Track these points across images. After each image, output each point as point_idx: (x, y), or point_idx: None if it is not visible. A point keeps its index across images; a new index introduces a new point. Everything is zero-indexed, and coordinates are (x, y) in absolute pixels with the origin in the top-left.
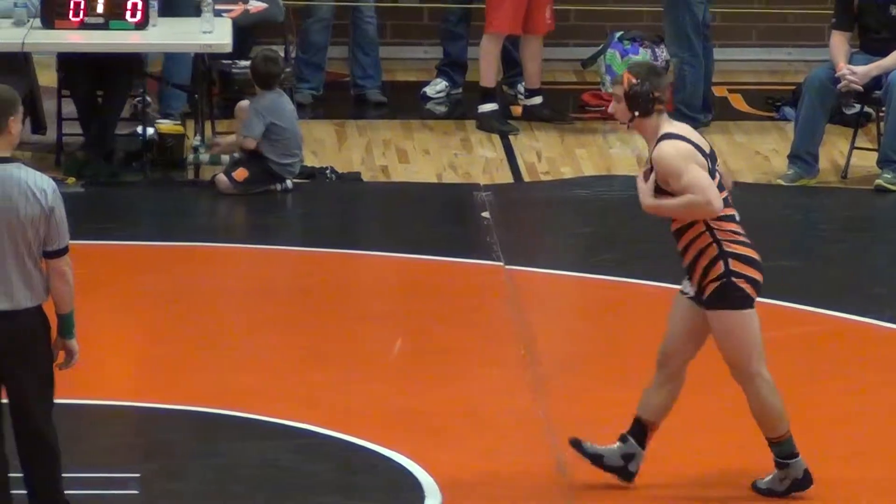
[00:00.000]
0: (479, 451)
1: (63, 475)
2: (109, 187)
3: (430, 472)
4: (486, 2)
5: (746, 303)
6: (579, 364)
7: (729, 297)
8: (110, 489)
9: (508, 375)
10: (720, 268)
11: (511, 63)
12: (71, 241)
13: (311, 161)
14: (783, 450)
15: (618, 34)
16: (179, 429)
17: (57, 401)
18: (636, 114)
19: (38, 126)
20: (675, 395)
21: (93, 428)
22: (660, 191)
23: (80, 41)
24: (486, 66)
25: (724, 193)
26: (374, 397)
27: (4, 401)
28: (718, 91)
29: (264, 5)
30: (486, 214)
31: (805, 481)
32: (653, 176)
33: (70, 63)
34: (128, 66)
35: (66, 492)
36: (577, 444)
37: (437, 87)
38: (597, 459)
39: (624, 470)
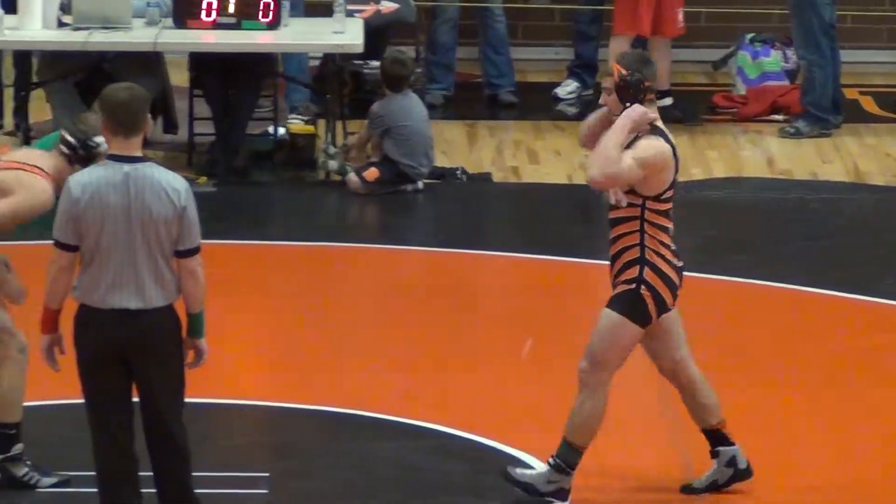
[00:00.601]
0: (607, 452)
1: (193, 474)
2: (241, 187)
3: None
4: (615, 3)
5: (642, 318)
6: (706, 365)
7: (628, 306)
8: (240, 489)
9: (637, 376)
10: (634, 272)
11: None
12: (202, 241)
13: (441, 161)
14: (567, 459)
15: (749, 36)
16: (310, 428)
17: (188, 400)
18: (627, 104)
19: (171, 125)
20: (703, 390)
21: (224, 427)
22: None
23: (212, 41)
24: None
25: (670, 205)
26: (505, 398)
27: (136, 399)
28: (849, 93)
29: (396, 6)
30: None
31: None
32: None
33: (202, 63)
34: (259, 65)
35: (196, 490)
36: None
37: (568, 88)
38: (713, 487)
39: (743, 472)
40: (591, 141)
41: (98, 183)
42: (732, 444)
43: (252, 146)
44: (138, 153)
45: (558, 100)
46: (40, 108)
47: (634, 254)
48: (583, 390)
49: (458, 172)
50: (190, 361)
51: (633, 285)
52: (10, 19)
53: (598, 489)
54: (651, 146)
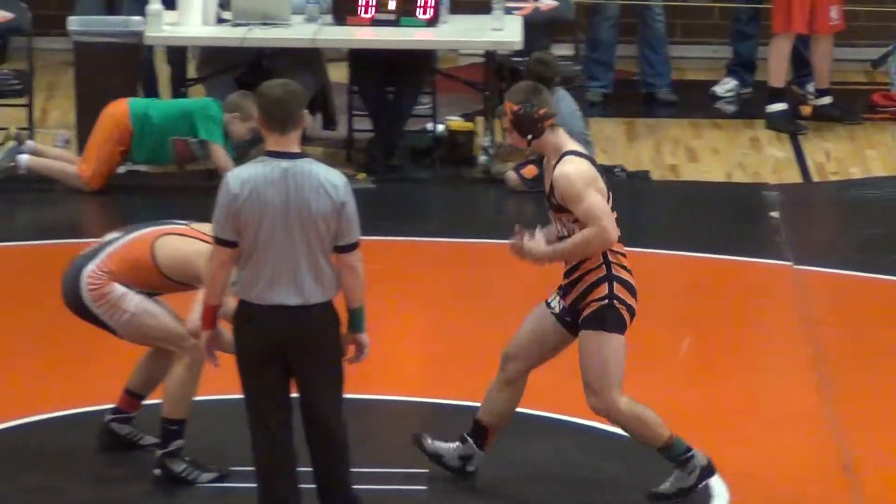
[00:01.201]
0: (765, 450)
1: (352, 470)
2: (399, 183)
3: (718, 471)
4: (773, 1)
5: (621, 327)
6: (865, 365)
7: (607, 319)
8: (399, 485)
9: (795, 375)
10: (604, 290)
11: (801, 63)
12: (361, 237)
13: (600, 159)
14: (674, 452)
15: None
16: (469, 425)
17: (349, 396)
18: (530, 137)
19: (329, 122)
20: (515, 401)
21: (384, 424)
22: (560, 209)
23: (371, 38)
24: (776, 65)
25: (614, 214)
26: (662, 395)
27: (295, 395)
28: None
29: (555, 3)
30: (774, 214)
31: (710, 468)
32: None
33: (361, 59)
34: (419, 62)
35: (355, 487)
36: (417, 440)
37: (726, 86)
38: (436, 458)
39: (462, 470)
40: None
41: (256, 179)
42: (483, 448)
43: (410, 143)
44: (296, 149)
45: (717, 98)
46: None
47: (600, 273)
48: (611, 420)
49: (617, 170)
50: (351, 356)
51: (605, 301)
52: (169, 15)
53: (754, 484)
54: (577, 174)
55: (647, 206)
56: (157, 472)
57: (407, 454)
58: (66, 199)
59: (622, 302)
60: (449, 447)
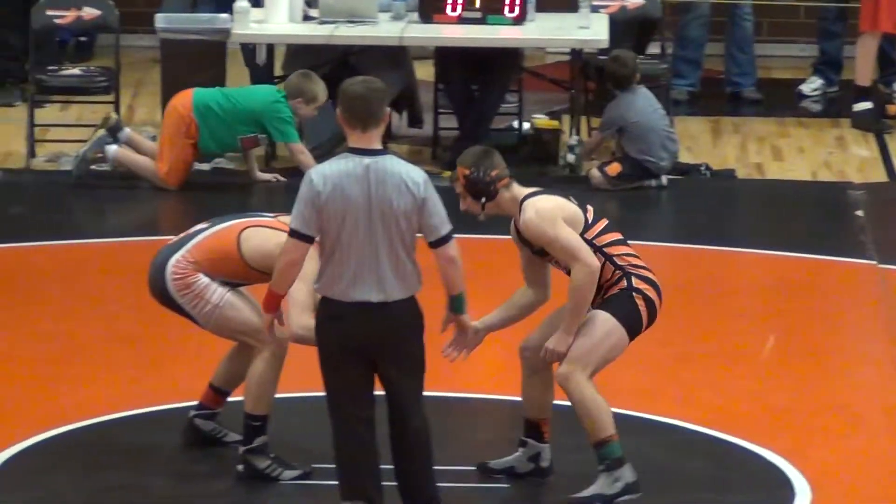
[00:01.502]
0: (850, 450)
1: (437, 468)
2: None
3: (801, 471)
4: (860, 0)
5: (632, 321)
6: None
7: (620, 307)
8: (484, 483)
9: (881, 375)
10: (623, 283)
11: (887, 62)
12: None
13: (685, 157)
14: (608, 452)
15: None
16: (552, 423)
17: (435, 394)
18: (483, 200)
19: (415, 120)
20: (549, 389)
21: (469, 422)
22: (542, 253)
23: (458, 35)
24: (863, 64)
25: (604, 221)
26: (747, 395)
27: (378, 392)
28: None
29: (642, 1)
30: (859, 213)
31: (636, 485)
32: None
33: (447, 57)
34: (505, 60)
35: (440, 484)
36: (483, 468)
37: (812, 84)
38: (510, 472)
39: (538, 469)
40: None
41: (339, 175)
42: (545, 440)
43: (496, 141)
44: (378, 146)
45: (803, 97)
46: None
47: (621, 284)
48: (567, 393)
49: (702, 168)
50: (456, 336)
51: (624, 290)
52: (256, 12)
53: (837, 484)
54: (538, 217)
55: (733, 205)
56: (241, 468)
57: (490, 451)
58: (151, 196)
59: (640, 292)
60: (515, 457)
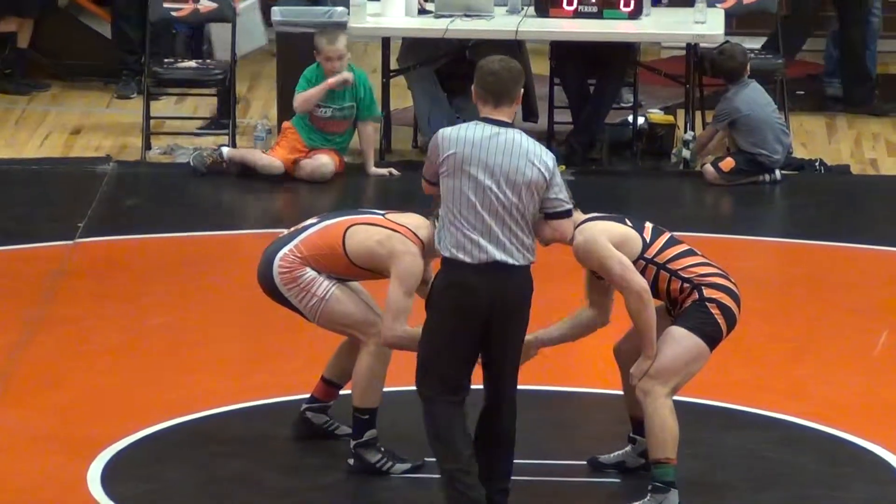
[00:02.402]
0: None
1: (548, 462)
2: (599, 176)
3: None
4: None
5: (709, 332)
6: None
7: (695, 319)
8: (593, 477)
9: None
10: (695, 295)
11: None
12: None
13: (800, 153)
14: (663, 474)
15: None
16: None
17: (545, 388)
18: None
19: (530, 113)
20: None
21: (579, 416)
22: (599, 276)
23: (573, 30)
24: None
25: (665, 236)
26: (858, 390)
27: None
28: None
29: None
30: None
31: None
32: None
33: (563, 51)
34: (620, 55)
35: (551, 479)
36: (594, 463)
37: None
38: (620, 467)
39: (648, 464)
40: None
41: (467, 138)
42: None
43: (611, 135)
44: (509, 120)
45: None
46: (398, 95)
47: (686, 288)
48: (646, 406)
49: (817, 164)
50: None
51: (697, 302)
52: (372, 6)
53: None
54: (584, 244)
55: (847, 201)
56: (351, 462)
57: (599, 445)
58: (264, 189)
59: (713, 301)
60: (625, 452)
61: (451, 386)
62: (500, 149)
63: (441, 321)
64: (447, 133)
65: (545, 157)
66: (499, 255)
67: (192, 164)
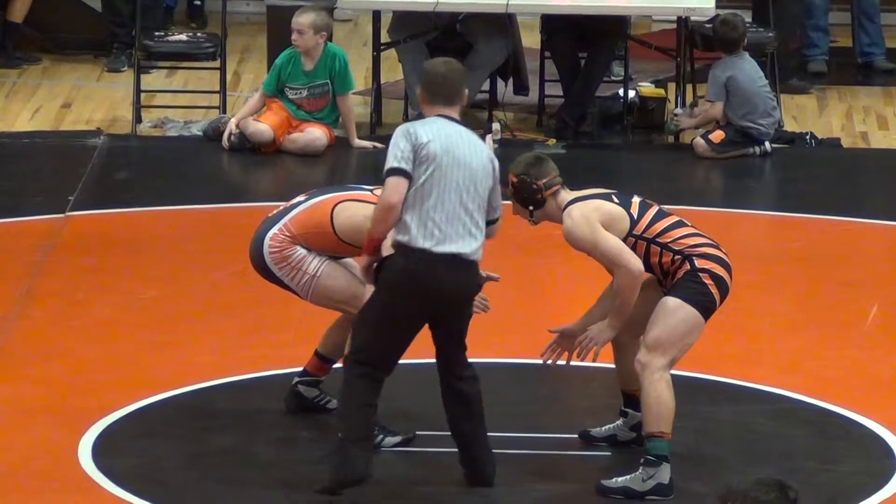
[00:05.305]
0: None
1: (540, 436)
2: (590, 149)
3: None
4: None
5: (703, 301)
6: None
7: (688, 289)
8: (581, 450)
9: None
10: (687, 266)
11: None
12: None
13: (790, 127)
14: (656, 447)
15: None
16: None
17: (536, 362)
18: (531, 208)
19: (521, 87)
20: (633, 360)
21: (570, 390)
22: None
23: (564, 3)
24: None
25: (653, 209)
26: (850, 364)
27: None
28: None
29: None
30: None
31: (669, 488)
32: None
33: (553, 24)
34: (611, 28)
35: (544, 452)
36: (585, 435)
37: None
38: (612, 440)
39: (639, 438)
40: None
41: (440, 132)
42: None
43: (601, 109)
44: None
45: None
46: (390, 68)
47: (678, 260)
48: (643, 380)
49: (807, 137)
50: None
51: (689, 272)
52: None
53: None
54: (575, 225)
55: (837, 174)
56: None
57: (591, 419)
58: (255, 162)
59: (705, 271)
60: (616, 425)
61: (386, 365)
62: (468, 144)
63: (391, 302)
64: (419, 127)
65: (493, 158)
66: (463, 248)
67: (205, 132)
